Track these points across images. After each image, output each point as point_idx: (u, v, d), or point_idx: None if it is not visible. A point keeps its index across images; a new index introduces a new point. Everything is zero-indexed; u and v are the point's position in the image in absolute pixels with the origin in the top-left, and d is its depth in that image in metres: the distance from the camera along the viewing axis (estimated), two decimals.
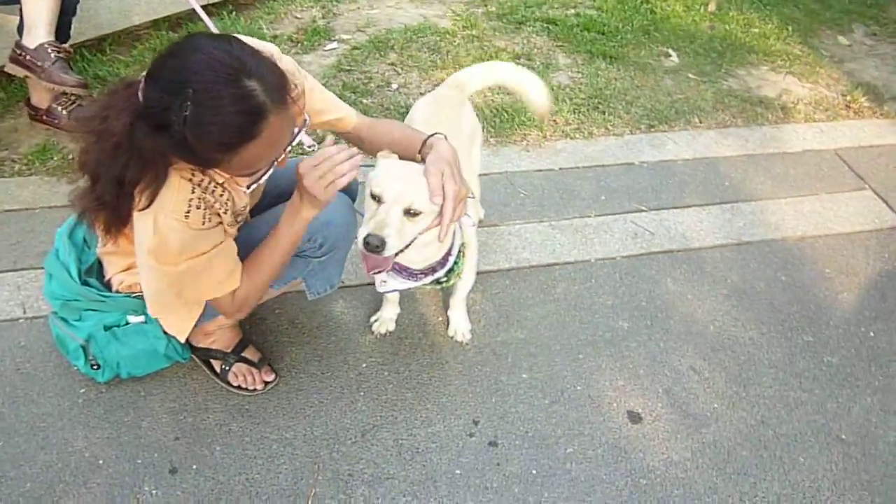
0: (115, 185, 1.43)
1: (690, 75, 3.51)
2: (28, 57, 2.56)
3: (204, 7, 2.82)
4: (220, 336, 2.00)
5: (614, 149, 2.99)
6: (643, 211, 2.69)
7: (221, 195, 1.55)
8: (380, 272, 1.67)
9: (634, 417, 2.01)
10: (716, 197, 2.79)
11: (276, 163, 1.55)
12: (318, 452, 1.85)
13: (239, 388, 1.98)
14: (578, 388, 2.07)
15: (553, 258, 2.47)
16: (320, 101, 1.75)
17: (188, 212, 1.46)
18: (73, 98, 2.85)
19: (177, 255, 1.50)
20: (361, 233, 1.55)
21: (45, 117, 2.85)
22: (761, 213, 2.73)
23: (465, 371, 2.08)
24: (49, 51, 2.56)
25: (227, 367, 1.99)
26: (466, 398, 2.01)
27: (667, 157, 2.98)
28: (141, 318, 1.83)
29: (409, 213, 1.56)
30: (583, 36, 3.70)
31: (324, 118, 1.78)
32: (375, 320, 2.19)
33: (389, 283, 1.83)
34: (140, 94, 1.34)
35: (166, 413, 1.91)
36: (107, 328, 1.83)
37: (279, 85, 1.37)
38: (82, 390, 1.95)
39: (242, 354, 2.01)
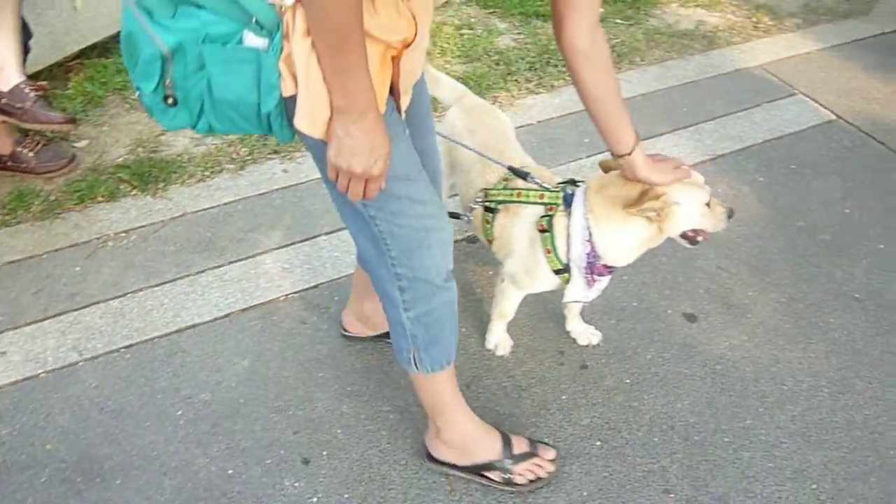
0: None
1: (618, 21, 3.80)
2: (4, 100, 2.44)
3: None
4: (478, 446, 1.77)
5: (577, 97, 3.22)
6: None
7: None
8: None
9: (690, 317, 2.25)
10: (680, 122, 3.09)
11: None
12: None
13: (532, 482, 1.78)
14: (634, 304, 2.29)
15: None
16: None
17: None
18: (38, 139, 2.73)
19: None
20: (722, 221, 1.76)
21: (10, 164, 2.70)
22: (723, 129, 3.05)
23: (531, 312, 2.24)
24: (27, 90, 2.45)
25: (509, 477, 1.76)
26: (545, 333, 2.18)
27: (625, 95, 3.23)
28: (263, 41, 1.13)
29: None
30: (510, 0, 3.90)
31: None
32: (495, 346, 2.14)
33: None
34: None
35: (273, 412, 1.95)
36: (208, 41, 1.14)
37: None
38: (179, 412, 1.95)
39: (515, 453, 1.77)
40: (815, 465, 1.87)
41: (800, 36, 3.80)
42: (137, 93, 1.23)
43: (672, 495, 1.80)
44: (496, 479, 1.76)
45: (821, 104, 3.23)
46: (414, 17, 1.21)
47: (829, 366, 2.12)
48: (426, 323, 1.51)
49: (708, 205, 1.71)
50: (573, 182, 1.84)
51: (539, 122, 3.07)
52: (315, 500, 1.78)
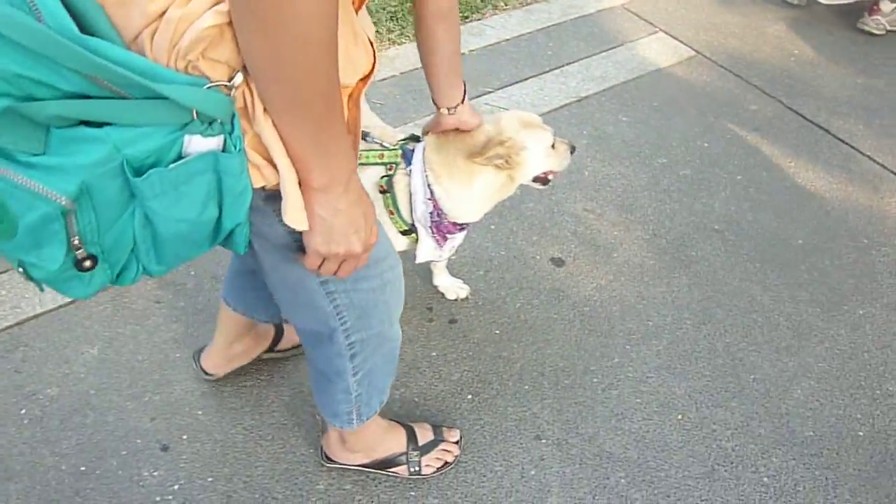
0: None
1: None
2: None
3: None
4: (383, 443, 1.68)
5: None
6: (490, 92, 2.88)
7: None
8: None
9: (557, 262, 2.23)
10: (545, 65, 3.05)
11: None
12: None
13: (441, 468, 1.73)
14: (503, 252, 2.25)
15: None
16: None
17: None
18: None
19: None
20: (565, 157, 1.73)
21: None
22: (587, 71, 3.03)
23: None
24: None
25: (417, 469, 1.69)
26: (412, 290, 2.11)
27: (490, 41, 3.17)
28: (216, 140, 0.80)
29: None
30: None
31: None
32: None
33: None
34: None
35: (128, 400, 1.80)
36: (132, 168, 0.76)
37: None
38: (22, 411, 1.76)
39: (420, 444, 1.71)
40: (679, 396, 1.90)
41: None
42: (21, 270, 0.83)
43: (543, 441, 1.78)
44: (403, 473, 1.69)
45: (681, 41, 3.26)
46: (371, 43, 0.93)
47: (691, 298, 2.15)
48: (371, 376, 1.37)
49: (553, 145, 1.66)
50: (414, 138, 1.75)
51: (402, 73, 2.96)
52: (176, 487, 1.66)
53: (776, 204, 2.48)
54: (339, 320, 1.19)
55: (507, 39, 3.19)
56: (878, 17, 3.32)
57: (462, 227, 1.74)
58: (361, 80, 0.92)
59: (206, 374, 1.85)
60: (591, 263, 2.23)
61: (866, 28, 3.36)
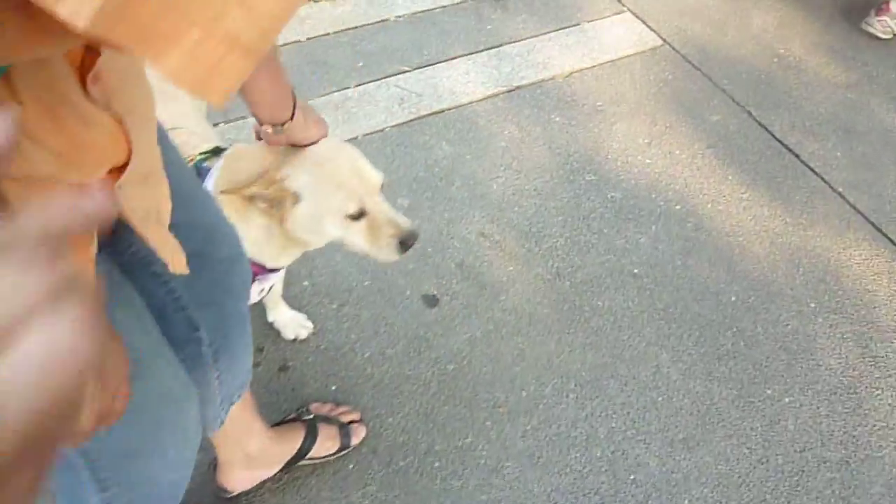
0: None
1: None
2: None
3: None
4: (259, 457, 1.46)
5: (364, 6, 2.66)
6: (406, 71, 2.43)
7: None
8: None
9: (430, 301, 1.84)
10: (480, 44, 2.58)
11: None
12: None
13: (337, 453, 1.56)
14: (366, 283, 1.86)
15: None
16: None
17: None
18: None
19: None
20: (390, 248, 1.22)
21: None
22: (528, 54, 2.57)
23: None
24: None
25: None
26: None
27: (423, 6, 2.70)
28: None
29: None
30: None
31: None
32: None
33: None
34: None
35: None
36: None
37: None
38: None
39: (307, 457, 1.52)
40: (536, 496, 1.55)
41: None
42: None
43: None
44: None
45: (649, 26, 2.78)
46: (121, 123, 0.65)
47: (583, 363, 1.77)
48: None
49: (361, 215, 1.23)
50: (217, 152, 1.34)
51: (309, 38, 2.51)
52: None
53: (715, 246, 2.07)
54: None
55: (444, 7, 2.72)
56: (886, 19, 2.81)
57: (271, 269, 1.35)
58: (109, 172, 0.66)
59: (227, 493, 1.50)
60: (470, 307, 1.84)
61: (870, 30, 2.85)
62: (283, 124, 1.13)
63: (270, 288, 1.50)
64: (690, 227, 2.10)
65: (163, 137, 0.92)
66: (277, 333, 1.73)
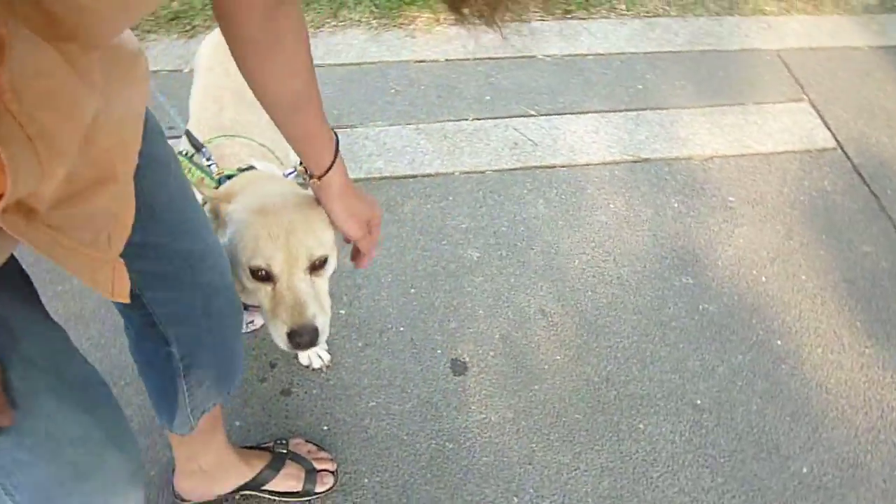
0: None
1: None
2: None
3: None
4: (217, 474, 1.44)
5: (515, 38, 2.55)
6: (531, 116, 2.30)
7: None
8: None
9: (459, 367, 1.73)
10: (622, 103, 2.39)
11: None
12: None
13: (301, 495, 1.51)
14: (401, 329, 1.77)
15: (410, 169, 2.11)
16: None
17: None
18: None
19: None
20: (279, 332, 1.11)
21: None
22: (671, 125, 2.33)
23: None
24: None
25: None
26: (260, 340, 1.72)
27: (577, 50, 2.54)
28: None
29: (315, 267, 1.14)
30: None
31: None
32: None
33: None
34: None
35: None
36: None
37: None
38: None
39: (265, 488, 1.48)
40: None
41: (840, 22, 2.86)
42: None
43: None
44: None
45: (826, 122, 2.41)
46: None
47: (594, 487, 1.57)
48: None
49: (268, 279, 1.11)
50: (244, 171, 1.31)
51: (447, 60, 2.45)
52: None
53: (806, 400, 1.75)
54: None
55: (599, 55, 2.54)
56: None
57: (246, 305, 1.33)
58: None
59: (183, 500, 1.49)
60: (497, 386, 1.70)
61: None
62: (320, 176, 1.07)
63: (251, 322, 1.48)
64: (785, 371, 1.80)
65: (160, 163, 0.91)
66: (294, 354, 1.70)
